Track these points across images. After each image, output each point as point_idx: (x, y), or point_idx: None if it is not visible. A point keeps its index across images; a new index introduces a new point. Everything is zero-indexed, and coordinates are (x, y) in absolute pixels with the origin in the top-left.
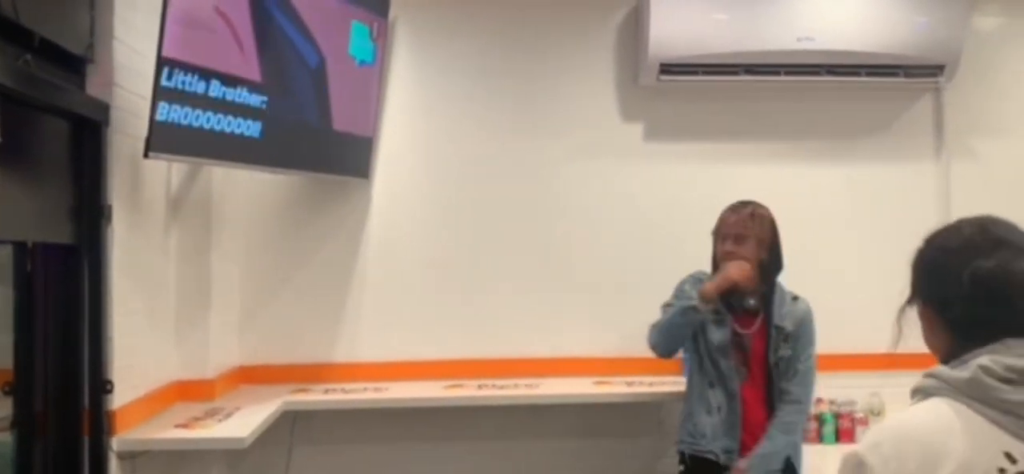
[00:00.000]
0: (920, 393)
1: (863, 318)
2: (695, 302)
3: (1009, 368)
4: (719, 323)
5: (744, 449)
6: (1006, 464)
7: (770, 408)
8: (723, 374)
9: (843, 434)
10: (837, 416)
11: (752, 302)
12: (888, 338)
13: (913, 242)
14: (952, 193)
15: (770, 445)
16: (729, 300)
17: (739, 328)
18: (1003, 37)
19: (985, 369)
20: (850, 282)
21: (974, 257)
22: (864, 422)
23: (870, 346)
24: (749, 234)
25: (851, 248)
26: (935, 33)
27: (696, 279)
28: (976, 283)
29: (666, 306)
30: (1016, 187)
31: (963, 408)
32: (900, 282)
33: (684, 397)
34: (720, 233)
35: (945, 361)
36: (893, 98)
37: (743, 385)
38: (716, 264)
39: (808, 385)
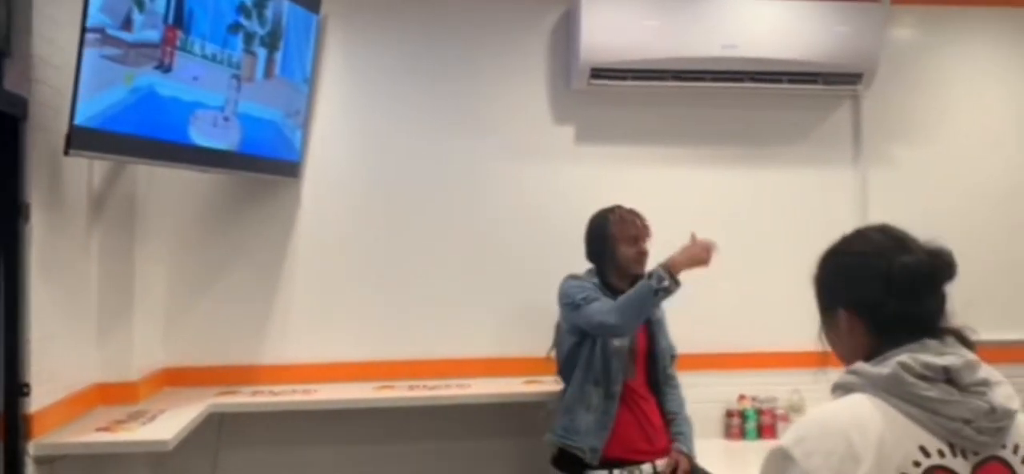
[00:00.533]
0: (841, 389)
1: (784, 318)
2: (667, 282)
3: (926, 365)
4: None
5: (644, 440)
6: (920, 457)
7: (655, 395)
8: (610, 374)
9: (765, 430)
10: (759, 413)
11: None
12: (808, 337)
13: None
14: (869, 197)
15: (688, 426)
16: (614, 297)
17: None
18: (918, 47)
19: (904, 366)
20: (771, 283)
21: (894, 255)
22: (785, 419)
23: (791, 345)
24: (647, 235)
25: (773, 250)
26: (853, 42)
27: (586, 283)
28: (903, 277)
29: (584, 302)
30: (930, 191)
31: (882, 403)
32: None
33: (562, 390)
34: (630, 235)
35: (865, 360)
36: (813, 105)
37: (629, 382)
38: (607, 259)
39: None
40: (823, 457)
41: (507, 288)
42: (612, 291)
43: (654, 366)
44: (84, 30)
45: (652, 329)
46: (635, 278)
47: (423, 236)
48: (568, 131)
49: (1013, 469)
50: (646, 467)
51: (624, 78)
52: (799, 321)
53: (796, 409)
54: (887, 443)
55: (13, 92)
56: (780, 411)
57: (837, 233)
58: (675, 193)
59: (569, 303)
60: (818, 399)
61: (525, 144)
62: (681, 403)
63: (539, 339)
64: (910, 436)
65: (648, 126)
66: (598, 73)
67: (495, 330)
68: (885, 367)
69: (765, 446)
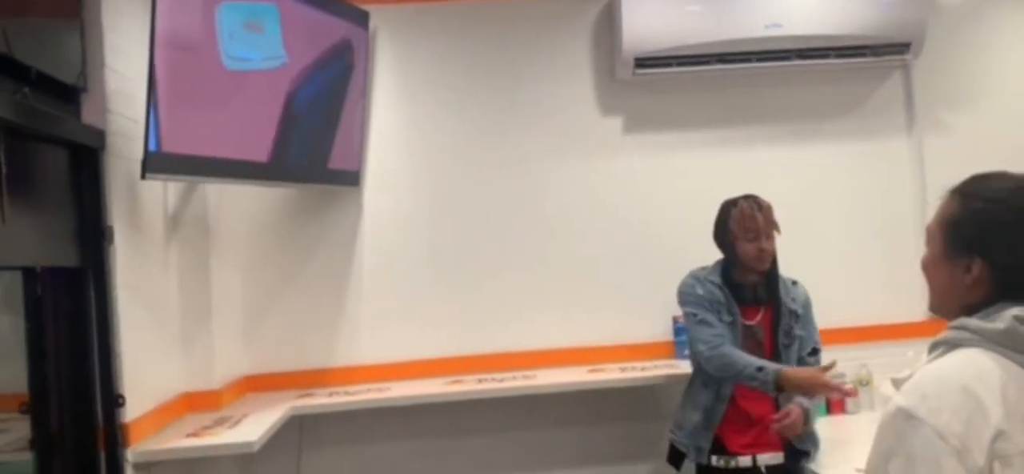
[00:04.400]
0: (945, 345)
1: (846, 293)
2: (770, 386)
3: None
4: (733, 325)
5: (755, 441)
6: None
7: (775, 397)
8: (721, 378)
9: (834, 406)
10: None
11: (763, 292)
12: (872, 311)
13: (890, 216)
14: (926, 166)
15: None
16: (741, 292)
17: (747, 320)
18: (966, 10)
19: (1020, 320)
20: (832, 260)
21: None
22: (854, 394)
23: (857, 320)
24: (772, 228)
25: (831, 226)
26: (900, 11)
27: (703, 281)
28: None
29: (699, 319)
30: (987, 156)
31: (999, 357)
32: (882, 255)
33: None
34: (750, 231)
35: (966, 314)
36: (863, 78)
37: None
38: (729, 253)
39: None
40: (951, 413)
41: (566, 279)
42: (735, 287)
43: (786, 362)
44: (152, 63)
45: (782, 325)
46: (761, 275)
47: (481, 233)
48: (616, 122)
49: None
50: (744, 459)
51: (669, 65)
52: (861, 294)
53: (864, 383)
54: (1011, 395)
55: (91, 125)
56: (848, 386)
57: (895, 205)
58: (726, 176)
59: (684, 308)
60: (887, 372)
61: (574, 137)
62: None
63: (600, 327)
64: None
65: (695, 111)
66: (642, 62)
67: (556, 321)
68: (999, 321)
69: (834, 422)
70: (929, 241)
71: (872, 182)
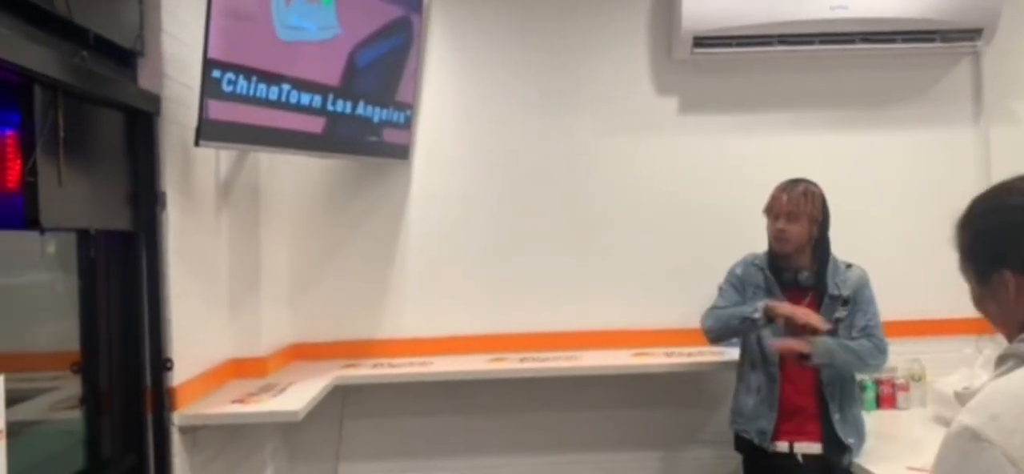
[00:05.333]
0: (1016, 358)
1: (902, 285)
2: (758, 315)
3: None
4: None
5: (795, 429)
6: None
7: (819, 384)
8: (766, 356)
9: (884, 400)
10: (878, 382)
11: (806, 275)
12: (927, 304)
13: (953, 208)
14: (992, 159)
15: (836, 345)
16: (782, 275)
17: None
18: None
19: None
20: (889, 250)
21: None
22: (905, 388)
23: (909, 313)
24: (801, 212)
25: (889, 216)
26: None
27: (747, 263)
28: None
29: (722, 290)
30: None
31: None
32: (941, 248)
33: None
34: (772, 211)
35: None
36: (930, 64)
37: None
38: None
39: (884, 340)
40: None
41: (613, 260)
42: (779, 271)
43: None
44: (208, 30)
45: (824, 311)
46: (802, 260)
47: (530, 212)
48: (671, 102)
49: None
50: (781, 445)
51: (728, 45)
52: (917, 287)
53: (916, 378)
54: None
55: (147, 90)
56: (899, 381)
57: (958, 198)
58: (783, 161)
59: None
60: (940, 368)
61: (628, 117)
62: (852, 344)
63: (646, 311)
64: None
65: (754, 93)
66: (701, 41)
67: (602, 302)
68: None
69: (884, 416)
70: (966, 280)
71: (934, 173)
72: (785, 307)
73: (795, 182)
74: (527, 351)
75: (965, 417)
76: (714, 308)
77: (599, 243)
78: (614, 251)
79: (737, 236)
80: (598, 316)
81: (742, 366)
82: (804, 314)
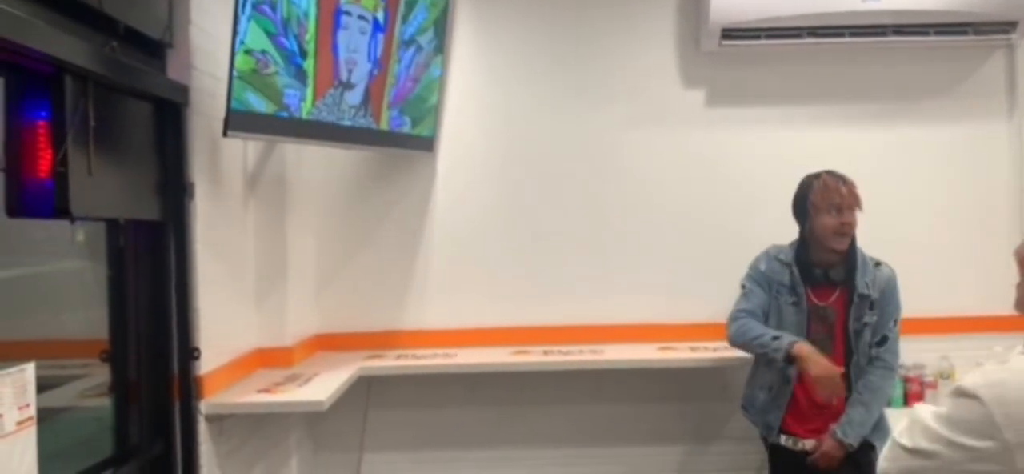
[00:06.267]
0: None
1: (932, 282)
2: (780, 355)
3: None
4: (797, 306)
5: (819, 418)
6: None
7: (848, 380)
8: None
9: (912, 398)
10: (906, 380)
11: (839, 271)
12: (956, 301)
13: (985, 204)
14: None
15: (863, 411)
16: (812, 271)
17: (818, 301)
18: None
19: None
20: (919, 246)
21: None
22: (933, 386)
23: (938, 310)
24: (854, 205)
25: (920, 212)
26: None
27: (771, 258)
28: None
29: (746, 289)
30: None
31: None
32: (972, 244)
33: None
34: (830, 203)
35: None
36: (962, 57)
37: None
38: (805, 230)
39: (897, 352)
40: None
41: (638, 254)
42: (810, 268)
43: (856, 347)
44: (237, 21)
45: (853, 310)
46: (838, 255)
47: (555, 205)
48: (698, 95)
49: None
50: (809, 442)
51: (757, 38)
52: (947, 284)
53: (945, 376)
54: None
55: (176, 81)
56: (928, 378)
57: (991, 194)
58: (811, 154)
59: (743, 280)
60: (969, 366)
61: (654, 109)
62: (869, 387)
63: (670, 305)
64: None
65: (782, 87)
66: (729, 33)
67: (626, 296)
68: None
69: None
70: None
71: (966, 167)
72: (810, 364)
73: (841, 175)
74: (550, 344)
75: (971, 378)
76: (740, 311)
77: (624, 236)
78: (639, 244)
79: (761, 231)
80: (622, 310)
81: (756, 359)
82: (827, 376)
